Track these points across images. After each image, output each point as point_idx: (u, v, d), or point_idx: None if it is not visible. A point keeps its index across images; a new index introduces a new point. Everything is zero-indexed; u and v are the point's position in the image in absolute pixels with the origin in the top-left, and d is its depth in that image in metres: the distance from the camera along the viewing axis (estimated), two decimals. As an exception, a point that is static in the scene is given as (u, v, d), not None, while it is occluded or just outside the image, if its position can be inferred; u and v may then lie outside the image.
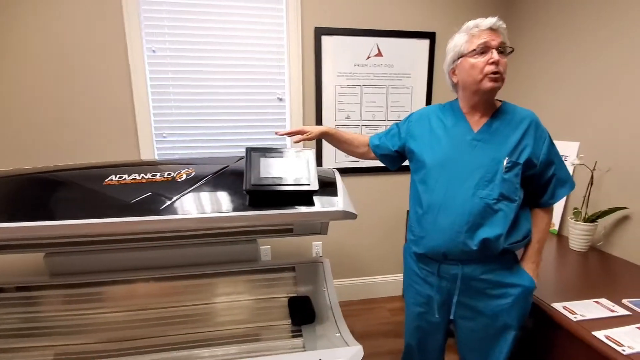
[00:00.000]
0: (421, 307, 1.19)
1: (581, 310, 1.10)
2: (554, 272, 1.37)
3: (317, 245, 2.29)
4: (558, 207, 1.75)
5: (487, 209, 1.01)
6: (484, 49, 0.98)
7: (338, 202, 1.15)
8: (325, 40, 1.99)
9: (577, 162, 1.55)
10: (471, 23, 1.01)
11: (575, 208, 1.59)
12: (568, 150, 1.73)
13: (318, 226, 1.77)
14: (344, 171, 2.16)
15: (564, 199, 1.71)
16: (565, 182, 1.09)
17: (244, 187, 1.06)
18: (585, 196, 1.55)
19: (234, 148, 2.05)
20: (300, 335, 1.44)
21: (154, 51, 1.88)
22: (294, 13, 1.94)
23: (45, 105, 1.83)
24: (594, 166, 1.54)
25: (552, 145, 1.07)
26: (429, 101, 2.18)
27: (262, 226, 1.68)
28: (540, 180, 1.07)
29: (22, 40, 1.75)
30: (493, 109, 1.07)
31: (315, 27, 1.97)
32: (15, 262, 1.98)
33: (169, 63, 1.91)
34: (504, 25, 1.00)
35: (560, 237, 1.71)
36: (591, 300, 1.15)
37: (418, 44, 2.10)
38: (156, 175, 1.18)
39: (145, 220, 1.00)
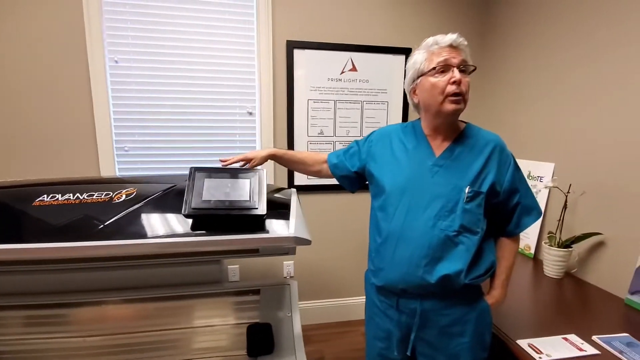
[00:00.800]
0: (381, 342, 1.10)
1: (547, 348, 1.01)
2: (525, 301, 1.29)
3: (288, 265, 2.19)
4: (534, 230, 1.68)
5: (448, 242, 0.93)
6: (444, 68, 0.91)
7: (289, 228, 1.07)
8: (298, 53, 1.94)
9: (550, 184, 1.49)
10: (431, 40, 0.94)
11: (550, 232, 1.52)
12: (543, 171, 1.67)
13: (286, 247, 1.68)
14: (319, 188, 2.09)
15: (540, 221, 1.65)
16: (532, 210, 1.02)
17: (182, 211, 0.98)
18: (559, 220, 1.48)
19: (201, 163, 1.96)
20: (254, 370, 1.33)
21: (116, 61, 1.81)
22: (265, 26, 1.89)
23: (-3, 115, 1.73)
24: (568, 189, 1.48)
25: (517, 171, 1.00)
26: (405, 117, 2.13)
27: (231, 248, 1.59)
28: (504, 208, 1.00)
29: (-26, 48, 1.66)
30: (456, 132, 1.00)
31: (287, 41, 1.92)
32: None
33: (132, 74, 1.83)
34: (465, 42, 0.94)
35: (537, 261, 1.64)
36: (559, 337, 1.06)
37: (394, 60, 2.05)
38: (93, 195, 1.09)
39: (66, 247, 0.90)
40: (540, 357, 0.98)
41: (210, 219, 1.03)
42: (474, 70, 0.96)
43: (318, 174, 1.23)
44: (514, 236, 1.05)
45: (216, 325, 1.58)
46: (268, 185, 1.47)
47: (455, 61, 0.91)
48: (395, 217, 0.98)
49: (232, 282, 1.90)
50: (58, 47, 1.73)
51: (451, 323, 0.98)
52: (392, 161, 1.03)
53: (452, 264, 0.93)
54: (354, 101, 2.05)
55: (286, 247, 1.59)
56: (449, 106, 0.92)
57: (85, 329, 1.49)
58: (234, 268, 2.12)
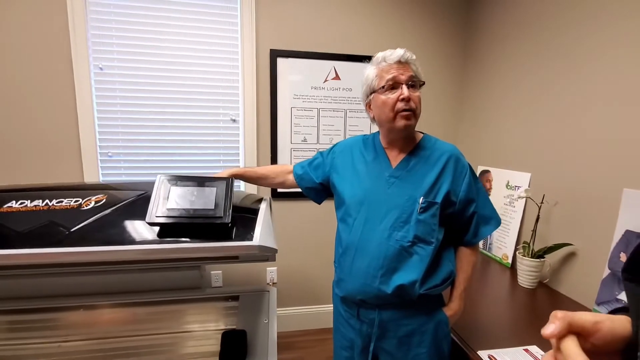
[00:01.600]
0: (346, 351, 1.11)
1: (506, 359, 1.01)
2: (494, 311, 1.29)
3: (271, 272, 2.19)
4: (511, 239, 1.68)
5: (402, 252, 0.94)
6: (393, 85, 0.93)
7: (254, 236, 1.08)
8: (281, 62, 1.96)
9: (523, 194, 1.49)
10: (380, 55, 0.97)
11: (524, 242, 1.52)
12: (520, 181, 1.68)
13: (266, 254, 1.69)
14: (304, 195, 2.09)
15: (516, 231, 1.65)
16: (490, 219, 1.03)
17: (146, 219, 0.99)
18: (533, 230, 1.49)
19: (185, 170, 1.98)
20: (224, 377, 1.33)
21: (101, 68, 1.83)
22: (249, 34, 1.91)
23: (-19, 121, 1.76)
24: (542, 199, 1.49)
25: (473, 181, 1.01)
26: (388, 125, 2.14)
27: (199, 255, 1.60)
28: (461, 218, 1.01)
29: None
30: (413, 143, 1.02)
31: (271, 49, 1.94)
32: None
33: (117, 81, 1.86)
34: (414, 57, 0.96)
35: (513, 271, 1.64)
36: (520, 348, 1.06)
37: (376, 68, 2.07)
38: (62, 201, 1.10)
39: (26, 254, 0.91)
40: (500, 369, 0.98)
41: (176, 227, 1.04)
42: (423, 84, 0.99)
43: (282, 185, 1.24)
44: (473, 246, 1.05)
45: (192, 331, 1.59)
46: (241, 193, 1.48)
47: (403, 78, 0.93)
48: (354, 228, 1.00)
49: (212, 288, 1.91)
50: (43, 53, 1.76)
51: (409, 333, 0.99)
52: (352, 173, 1.05)
53: (407, 274, 0.94)
54: (337, 109, 2.07)
55: (262, 254, 1.60)
56: (399, 122, 0.94)
57: (62, 334, 1.50)
58: (217, 273, 2.13)
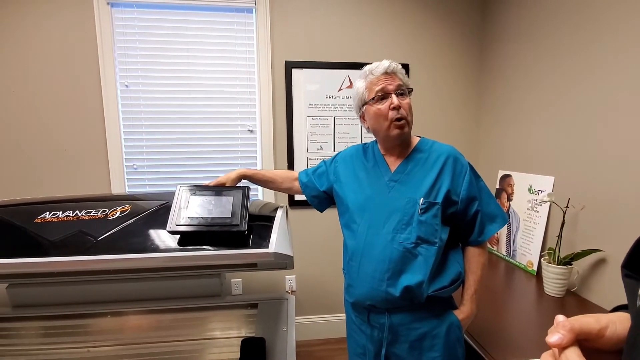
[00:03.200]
0: (359, 358, 1.11)
1: (534, 371, 0.97)
2: (519, 320, 1.24)
3: (290, 279, 2.20)
4: (536, 246, 1.62)
5: (407, 254, 0.95)
6: (383, 95, 0.97)
7: (270, 244, 1.10)
8: (296, 73, 2.00)
9: (546, 199, 1.44)
10: (367, 69, 1.01)
11: (550, 248, 1.46)
12: (543, 185, 1.62)
13: (283, 261, 1.71)
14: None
15: (541, 236, 1.59)
16: (495, 217, 1.03)
17: (167, 227, 1.03)
18: (558, 236, 1.43)
19: (204, 180, 2.04)
20: (244, 383, 1.34)
21: (126, 86, 1.94)
22: (265, 47, 1.97)
23: (18, 137, 1.89)
24: (567, 204, 1.43)
25: (474, 180, 1.02)
26: (404, 132, 2.13)
27: (218, 262, 1.63)
28: (464, 217, 1.01)
29: (2, 74, 1.84)
30: (410, 147, 1.05)
31: (286, 61, 1.99)
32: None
33: (141, 97, 1.96)
34: (399, 67, 0.99)
35: (539, 279, 1.57)
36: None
37: (391, 75, 2.08)
38: (90, 212, 1.17)
39: (57, 262, 0.97)
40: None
41: (194, 235, 1.07)
42: (411, 90, 1.01)
43: (289, 190, 1.28)
44: (480, 245, 1.04)
45: (213, 338, 1.62)
46: (259, 201, 1.51)
47: (391, 87, 0.96)
48: (358, 234, 1.02)
49: (232, 296, 1.94)
50: (74, 73, 1.88)
51: (420, 337, 0.98)
52: (354, 181, 1.08)
53: (413, 276, 0.95)
54: (352, 117, 2.08)
55: (278, 261, 1.62)
56: (394, 131, 0.98)
57: (91, 340, 1.56)
58: (237, 281, 2.16)
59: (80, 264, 0.99)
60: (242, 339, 1.61)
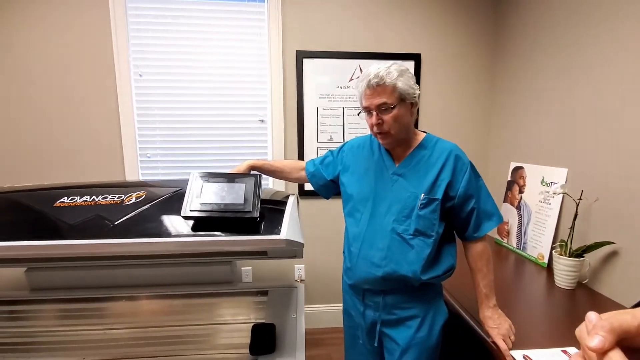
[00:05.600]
0: (354, 331, 1.21)
1: (543, 360, 0.98)
2: (528, 312, 1.24)
3: (299, 269, 2.23)
4: (547, 238, 1.61)
5: (404, 244, 1.02)
6: (368, 111, 1.00)
7: (282, 231, 1.12)
8: (307, 63, 2.00)
9: (559, 190, 1.42)
10: (361, 76, 1.01)
11: (561, 240, 1.45)
12: (556, 177, 1.60)
13: (293, 250, 1.73)
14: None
15: (553, 229, 1.58)
16: (491, 215, 1.07)
17: (181, 213, 1.05)
18: (570, 228, 1.42)
19: (216, 169, 2.07)
20: (254, 367, 1.38)
21: (140, 75, 1.96)
22: (276, 37, 1.97)
23: (36, 125, 1.93)
24: (580, 195, 1.41)
25: (473, 178, 1.04)
26: (415, 123, 2.11)
27: (230, 249, 1.66)
28: (460, 213, 1.05)
29: (18, 62, 1.88)
30: (415, 143, 1.07)
31: (297, 51, 1.99)
32: (-3, 276, 2.06)
33: (154, 87, 1.98)
34: (389, 75, 0.95)
35: (550, 271, 1.57)
36: (559, 349, 1.02)
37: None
38: (107, 197, 1.20)
39: (75, 244, 1.00)
40: (533, 369, 0.95)
41: (208, 221, 1.10)
42: (394, 107, 0.97)
43: (298, 180, 1.31)
44: (476, 240, 1.07)
45: (224, 323, 1.66)
46: (270, 190, 1.53)
47: (372, 106, 0.98)
48: (360, 222, 1.08)
49: (243, 283, 1.98)
50: (89, 63, 1.91)
51: (410, 317, 1.08)
52: (359, 171, 1.12)
53: (409, 265, 1.02)
54: (363, 107, 2.07)
55: (289, 249, 1.64)
56: (379, 141, 1.05)
57: (107, 322, 1.61)
58: (247, 269, 2.20)
59: (98, 247, 1.02)
60: (252, 324, 1.65)
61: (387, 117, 0.97)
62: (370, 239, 1.06)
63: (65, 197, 1.18)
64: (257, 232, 1.11)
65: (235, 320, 1.67)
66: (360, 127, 2.09)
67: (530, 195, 1.75)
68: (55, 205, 1.15)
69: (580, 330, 0.32)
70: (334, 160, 1.22)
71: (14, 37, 1.85)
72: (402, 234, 1.02)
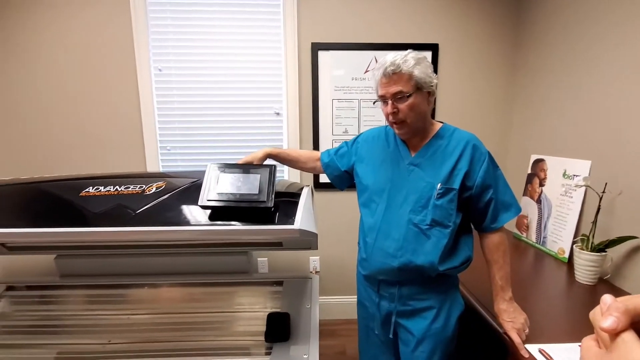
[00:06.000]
0: (368, 322, 1.21)
1: (559, 355, 0.96)
2: (546, 307, 1.22)
3: (314, 260, 2.25)
4: (568, 233, 1.56)
5: (421, 235, 1.01)
6: (383, 100, 0.99)
7: (296, 221, 1.13)
8: (322, 55, 2.00)
9: (581, 183, 1.38)
10: (377, 65, 1.00)
11: (583, 234, 1.41)
12: (579, 170, 1.55)
13: (308, 241, 1.75)
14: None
15: (574, 223, 1.53)
16: (510, 206, 1.05)
17: (199, 202, 1.09)
18: (593, 222, 1.37)
19: (233, 161, 2.10)
20: (269, 354, 1.41)
21: (160, 70, 2.01)
22: (291, 29, 1.97)
23: (62, 120, 2.02)
24: (604, 188, 1.36)
25: (491, 168, 1.02)
26: (432, 114, 2.08)
27: (247, 238, 1.70)
28: (478, 203, 1.03)
29: (47, 60, 1.96)
30: (431, 134, 1.05)
31: (312, 43, 1.99)
32: (28, 263, 2.18)
33: (173, 81, 2.03)
34: (406, 63, 0.94)
35: (570, 266, 1.52)
36: (576, 344, 1.00)
37: (420, 56, 2.03)
38: (129, 187, 1.24)
39: (104, 232, 1.05)
40: (548, 363, 0.93)
41: (224, 211, 1.12)
42: (410, 95, 0.96)
43: (313, 170, 1.32)
44: (493, 231, 1.05)
45: (240, 311, 1.70)
46: (285, 181, 1.55)
47: (388, 95, 0.97)
48: (376, 213, 1.08)
49: (259, 273, 2.02)
50: (111, 59, 1.97)
51: (426, 308, 1.07)
52: (374, 162, 1.12)
53: (425, 256, 1.01)
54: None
55: (303, 239, 1.66)
56: (395, 130, 1.04)
57: (130, 308, 1.69)
58: (263, 260, 2.24)
59: (121, 234, 1.07)
60: (267, 313, 1.68)
61: (403, 106, 0.96)
62: (385, 229, 1.05)
63: (90, 187, 1.24)
64: (272, 222, 1.13)
65: (251, 309, 1.71)
66: (376, 119, 2.08)
67: (551, 188, 1.70)
68: (81, 194, 1.20)
69: (594, 313, 0.32)
70: (349, 151, 1.22)
71: (42, 35, 1.93)
72: (418, 224, 1.01)
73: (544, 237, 1.71)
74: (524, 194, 1.90)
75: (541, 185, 1.78)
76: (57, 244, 1.68)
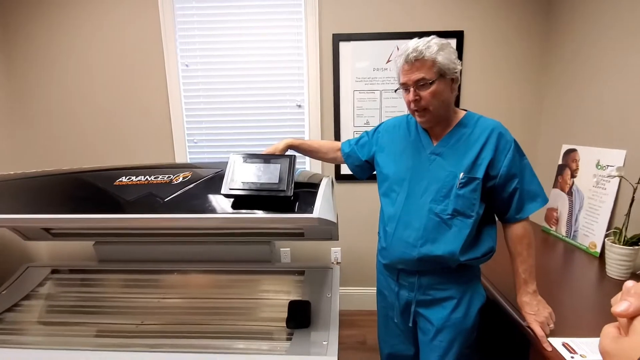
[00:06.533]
0: (388, 313, 1.22)
1: (584, 349, 0.93)
2: (574, 301, 1.18)
3: (336, 252, 2.28)
4: (600, 226, 1.49)
5: (442, 225, 1.00)
6: (405, 87, 0.97)
7: (315, 210, 1.16)
8: (343, 46, 2.00)
9: (614, 173, 1.31)
10: (399, 52, 0.98)
11: (616, 227, 1.34)
12: (613, 160, 1.47)
13: (329, 231, 1.79)
14: (371, 177, 2.13)
15: (607, 216, 1.46)
16: (536, 196, 1.00)
17: (221, 191, 1.13)
18: (627, 214, 1.30)
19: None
20: (290, 339, 1.45)
21: (187, 65, 2.09)
22: (312, 21, 1.98)
23: (96, 113, 2.15)
24: (639, 179, 1.29)
25: (517, 157, 0.99)
26: (456, 105, 2.03)
27: (268, 228, 1.76)
28: (502, 193, 1.00)
29: (81, 59, 2.09)
30: (454, 122, 1.03)
31: (333, 34, 1.99)
32: (71, 249, 2.35)
33: (199, 76, 2.10)
34: (429, 49, 0.92)
35: (602, 261, 1.46)
36: (602, 339, 0.96)
37: (444, 45, 1.98)
38: (158, 177, 1.32)
39: (136, 218, 1.13)
40: (572, 357, 0.91)
41: (246, 200, 1.17)
42: (433, 82, 0.94)
43: (334, 160, 1.33)
44: (517, 222, 1.02)
45: (263, 298, 1.76)
46: (307, 172, 1.58)
47: (410, 82, 0.95)
48: (397, 203, 1.07)
49: (281, 263, 2.08)
50: (141, 55, 2.07)
51: (446, 298, 1.06)
52: (395, 151, 1.11)
53: (446, 245, 1.00)
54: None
55: (323, 228, 1.69)
56: (417, 119, 1.02)
57: (161, 292, 1.79)
58: (285, 251, 2.29)
59: (150, 221, 1.14)
60: (289, 300, 1.73)
61: (425, 93, 0.94)
62: (405, 219, 1.04)
63: (124, 177, 1.32)
64: (291, 211, 1.16)
65: (273, 297, 1.77)
66: (398, 109, 2.06)
67: (583, 179, 1.62)
68: (115, 183, 1.29)
69: (615, 298, 0.32)
70: (369, 141, 1.22)
71: (76, 37, 2.06)
72: (439, 214, 0.99)
73: (575, 231, 1.64)
74: (554, 186, 1.83)
75: (573, 176, 1.70)
76: (95, 230, 1.81)
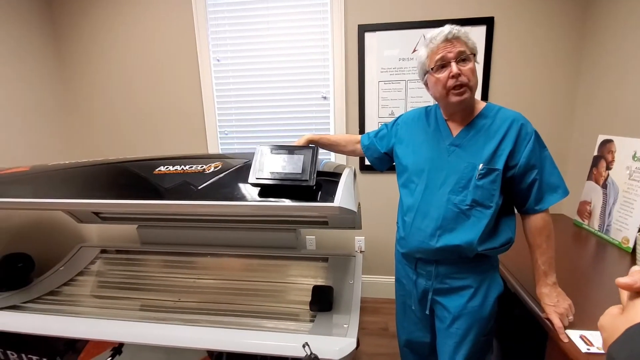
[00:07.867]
0: (405, 300, 1.26)
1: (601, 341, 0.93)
2: (600, 298, 1.16)
3: (359, 240, 2.33)
4: (634, 220, 1.43)
5: (460, 215, 1.01)
6: (443, 64, 0.96)
7: (336, 199, 1.21)
8: (369, 37, 2.00)
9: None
10: (429, 36, 0.99)
11: (650, 222, 1.29)
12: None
13: (351, 220, 1.84)
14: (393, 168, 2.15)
15: (642, 210, 1.40)
16: (557, 187, 0.99)
17: (248, 180, 1.22)
18: (663, 208, 1.25)
19: (282, 143, 2.24)
20: (312, 321, 1.54)
21: (218, 60, 2.19)
22: (338, 12, 2.00)
23: (135, 108, 2.31)
24: (679, 172, 1.22)
25: (537, 148, 0.98)
26: (485, 95, 1.99)
27: (294, 216, 1.84)
28: (520, 184, 1.00)
29: (120, 56, 2.24)
30: (474, 113, 1.03)
31: (359, 25, 2.00)
32: (117, 231, 2.56)
33: (230, 70, 2.19)
34: (462, 31, 0.95)
35: (634, 257, 1.40)
36: (623, 332, 0.95)
37: (472, 32, 1.91)
38: (192, 167, 1.43)
39: (173, 204, 1.24)
40: (588, 349, 0.91)
41: (271, 189, 1.24)
42: (474, 55, 0.97)
43: (353, 153, 1.36)
44: (536, 213, 1.01)
45: (289, 282, 1.86)
46: (332, 163, 1.63)
47: (451, 55, 0.94)
48: (415, 193, 1.09)
49: (307, 250, 2.16)
50: (176, 52, 2.19)
51: (464, 287, 1.08)
52: (414, 143, 1.12)
53: (464, 235, 1.01)
54: (427, 80, 2.02)
55: (345, 217, 1.74)
56: (453, 98, 0.98)
57: (196, 273, 1.94)
58: (310, 238, 2.38)
59: (186, 207, 1.25)
60: (313, 285, 1.82)
61: (466, 69, 0.94)
62: (424, 209, 1.06)
63: (162, 166, 1.44)
64: (314, 199, 1.23)
65: (298, 281, 1.86)
66: (423, 100, 2.05)
67: (619, 172, 1.55)
68: (154, 172, 1.41)
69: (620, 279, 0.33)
70: (388, 133, 1.24)
71: (117, 34, 2.21)
72: (458, 204, 1.01)
73: (608, 225, 1.58)
74: (589, 178, 1.76)
75: (608, 168, 1.63)
76: (137, 214, 1.98)
